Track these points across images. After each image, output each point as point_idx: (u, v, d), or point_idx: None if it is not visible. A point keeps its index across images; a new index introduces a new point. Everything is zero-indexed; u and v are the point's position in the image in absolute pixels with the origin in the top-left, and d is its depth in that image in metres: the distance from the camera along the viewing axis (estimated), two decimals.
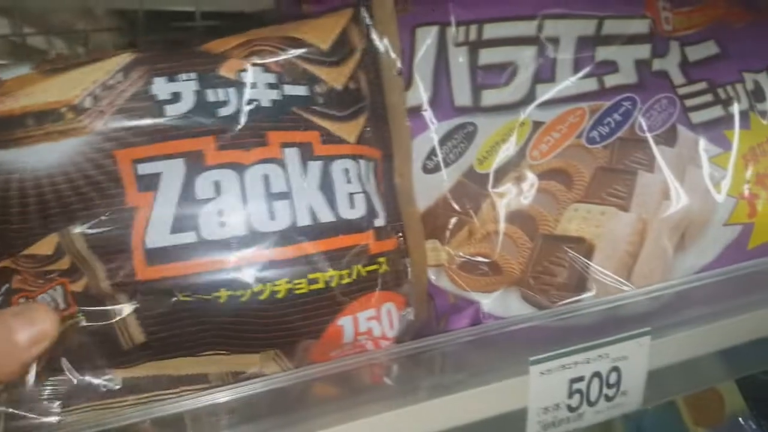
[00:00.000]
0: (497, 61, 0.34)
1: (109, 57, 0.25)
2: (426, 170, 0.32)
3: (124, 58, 0.25)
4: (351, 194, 0.27)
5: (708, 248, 0.34)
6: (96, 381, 0.25)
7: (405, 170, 0.31)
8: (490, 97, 0.34)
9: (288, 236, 0.25)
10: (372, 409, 0.28)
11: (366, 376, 0.28)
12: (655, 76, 0.38)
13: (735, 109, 0.38)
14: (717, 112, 0.38)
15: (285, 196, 0.26)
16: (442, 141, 0.33)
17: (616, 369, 0.31)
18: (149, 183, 0.24)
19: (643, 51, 0.38)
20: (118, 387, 0.25)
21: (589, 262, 0.32)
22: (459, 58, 0.34)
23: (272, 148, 0.26)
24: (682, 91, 0.38)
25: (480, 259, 0.31)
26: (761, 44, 0.42)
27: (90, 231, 0.24)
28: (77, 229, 0.24)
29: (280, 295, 0.25)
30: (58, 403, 0.25)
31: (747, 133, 0.38)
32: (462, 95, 0.33)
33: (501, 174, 0.33)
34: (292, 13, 0.32)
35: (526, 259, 0.32)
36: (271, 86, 0.26)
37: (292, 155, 0.26)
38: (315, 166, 0.26)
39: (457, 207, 0.32)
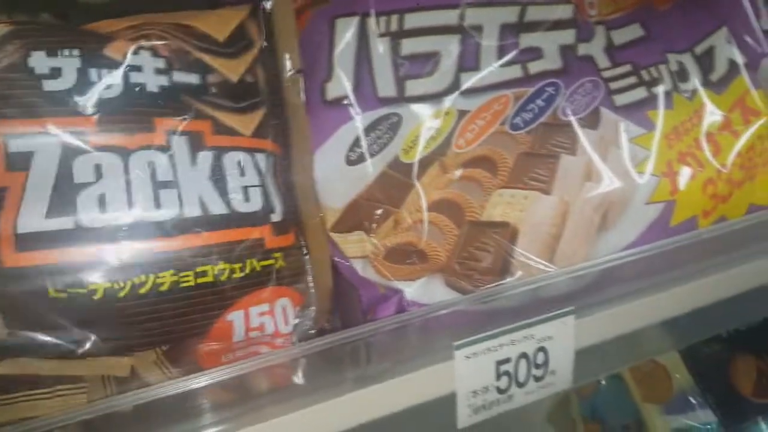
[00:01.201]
0: (420, 50, 0.34)
1: None
2: (350, 162, 0.32)
3: (1, 27, 0.24)
4: (245, 187, 0.27)
5: (631, 227, 0.34)
6: None
7: (305, 167, 0.31)
8: (414, 87, 0.34)
9: (174, 226, 0.25)
10: (298, 404, 0.28)
11: (287, 371, 0.28)
12: (581, 60, 0.39)
13: (659, 89, 0.39)
14: (641, 93, 0.39)
15: (172, 185, 0.25)
16: (367, 132, 0.33)
17: (542, 349, 0.32)
18: (20, 162, 0.23)
19: (568, 36, 0.39)
20: None
21: (513, 245, 0.32)
22: (381, 49, 0.34)
23: (158, 135, 0.25)
24: (606, 74, 0.39)
25: (405, 247, 0.31)
26: (685, 25, 0.43)
27: None
28: None
29: (164, 288, 0.25)
30: None
31: (670, 113, 0.39)
32: (385, 86, 0.33)
33: (426, 163, 0.33)
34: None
35: (452, 246, 0.32)
36: (160, 71, 0.26)
37: (180, 143, 0.26)
38: (205, 156, 0.26)
39: (382, 197, 0.32)
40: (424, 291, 0.31)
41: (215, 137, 0.27)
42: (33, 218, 0.23)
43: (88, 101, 0.25)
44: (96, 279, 0.24)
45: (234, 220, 0.26)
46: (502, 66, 0.36)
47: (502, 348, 0.31)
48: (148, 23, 0.27)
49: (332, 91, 0.33)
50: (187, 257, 0.25)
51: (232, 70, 0.28)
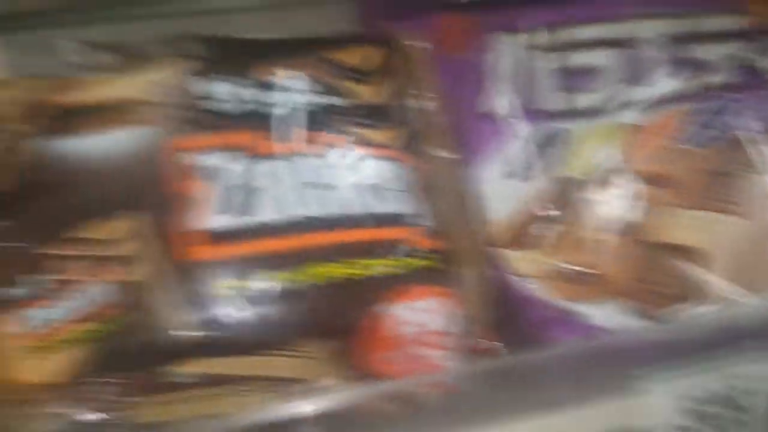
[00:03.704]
0: (586, 64, 0.33)
1: (173, 62, 0.29)
2: (519, 178, 0.31)
3: (186, 63, 0.29)
4: (396, 191, 0.29)
5: None
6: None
7: (449, 183, 0.32)
8: (581, 101, 0.33)
9: (338, 222, 0.28)
10: (470, 425, 0.27)
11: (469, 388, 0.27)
12: (762, 73, 0.36)
13: None
14: None
15: (331, 186, 0.28)
16: (534, 147, 0.32)
17: (741, 390, 0.28)
18: (208, 173, 0.27)
19: (746, 48, 0.36)
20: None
21: (700, 270, 0.29)
22: (546, 63, 0.33)
23: (317, 145, 0.29)
24: None
25: (583, 268, 0.30)
26: None
27: (153, 215, 0.27)
28: (141, 214, 0.26)
29: (335, 279, 0.27)
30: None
31: None
32: (551, 100, 0.32)
33: (598, 179, 0.31)
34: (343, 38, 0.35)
35: (630, 269, 0.30)
36: (315, 94, 0.30)
37: (335, 153, 0.29)
38: (358, 164, 0.29)
39: (555, 214, 0.31)
40: (605, 315, 0.29)
41: (364, 148, 0.30)
42: (219, 217, 0.27)
43: (259, 119, 0.29)
44: (275, 270, 0.27)
45: (390, 219, 0.29)
46: (675, 80, 0.34)
47: (692, 384, 0.28)
48: (306, 60, 0.31)
49: (497, 107, 0.32)
50: (352, 251, 0.28)
51: (373, 94, 0.31)
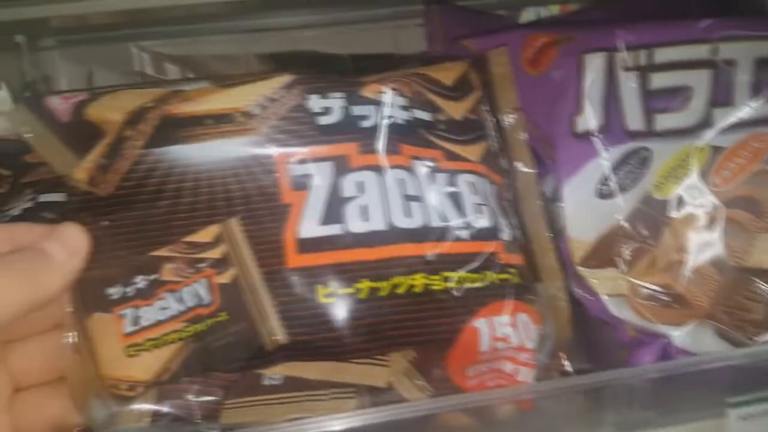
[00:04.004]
0: (670, 85, 0.33)
1: (272, 77, 0.30)
2: (600, 195, 0.31)
3: (285, 78, 0.30)
4: (478, 204, 0.29)
5: None
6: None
7: (528, 198, 0.32)
8: (664, 121, 0.33)
9: (423, 234, 0.28)
10: None
11: (549, 405, 0.27)
12: None
13: None
14: None
15: (418, 198, 0.28)
16: (616, 166, 0.32)
17: None
18: (302, 182, 0.28)
19: None
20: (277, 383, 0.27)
21: None
22: (630, 83, 0.33)
23: (404, 158, 0.29)
24: None
25: (664, 290, 0.29)
26: None
27: (248, 222, 0.27)
28: (237, 220, 0.27)
29: (417, 290, 0.27)
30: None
31: None
32: (634, 120, 0.33)
33: (681, 201, 0.31)
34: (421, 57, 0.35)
35: (715, 292, 0.29)
36: (403, 108, 0.30)
37: (420, 166, 0.29)
38: (442, 177, 0.29)
39: (636, 234, 0.31)
40: (692, 339, 0.28)
41: (448, 163, 0.30)
42: (311, 226, 0.27)
43: (351, 132, 0.29)
44: (359, 278, 0.27)
45: (470, 232, 0.29)
46: (760, 102, 0.34)
47: None
48: (390, 75, 0.31)
49: (581, 125, 0.32)
50: (435, 263, 0.28)
51: (456, 110, 0.32)
